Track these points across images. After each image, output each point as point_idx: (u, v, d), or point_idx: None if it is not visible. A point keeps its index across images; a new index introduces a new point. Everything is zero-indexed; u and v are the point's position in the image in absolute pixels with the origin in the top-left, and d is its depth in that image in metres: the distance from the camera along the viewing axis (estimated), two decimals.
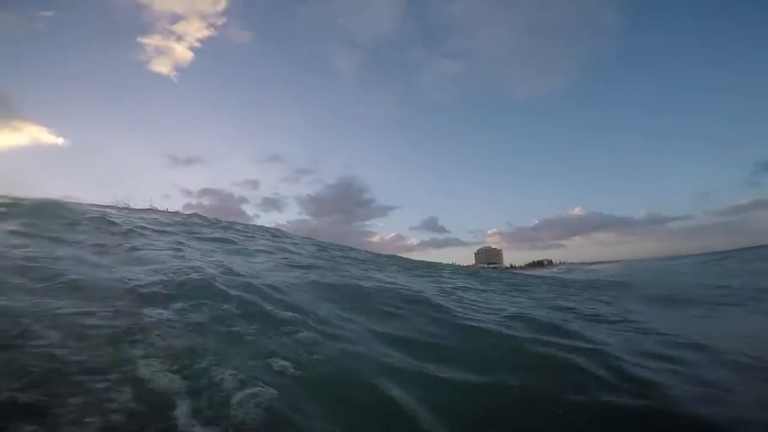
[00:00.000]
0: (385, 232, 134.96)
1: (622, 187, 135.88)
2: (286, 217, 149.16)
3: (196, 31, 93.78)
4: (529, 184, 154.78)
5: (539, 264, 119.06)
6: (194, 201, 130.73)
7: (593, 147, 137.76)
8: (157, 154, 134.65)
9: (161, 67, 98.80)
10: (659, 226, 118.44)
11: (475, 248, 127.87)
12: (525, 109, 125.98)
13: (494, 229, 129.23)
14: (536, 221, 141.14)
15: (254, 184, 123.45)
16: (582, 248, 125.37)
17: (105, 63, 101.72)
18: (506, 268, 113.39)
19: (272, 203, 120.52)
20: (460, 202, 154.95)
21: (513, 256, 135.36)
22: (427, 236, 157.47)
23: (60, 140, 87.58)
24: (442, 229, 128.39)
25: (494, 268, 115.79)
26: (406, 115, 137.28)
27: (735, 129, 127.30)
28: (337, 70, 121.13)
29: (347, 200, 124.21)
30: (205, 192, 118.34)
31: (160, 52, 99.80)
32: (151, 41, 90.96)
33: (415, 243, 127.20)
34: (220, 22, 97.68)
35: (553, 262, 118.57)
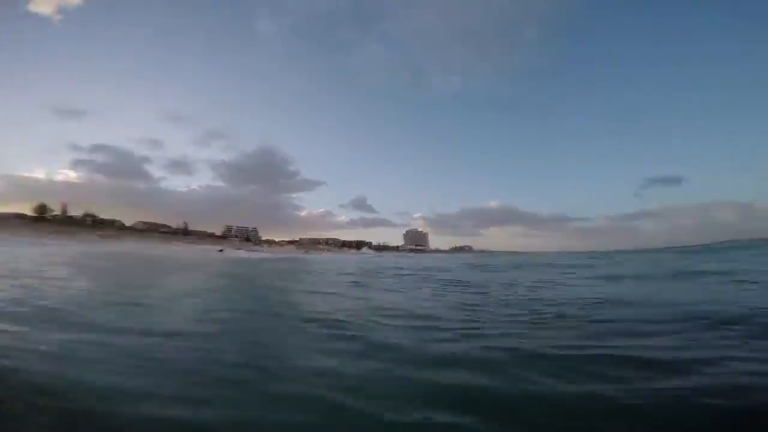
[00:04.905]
0: (313, 207, 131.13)
1: (535, 186, 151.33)
2: (198, 181, 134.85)
3: None
4: (452, 172, 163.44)
5: (461, 249, 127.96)
6: (85, 157, 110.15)
7: (510, 146, 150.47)
8: (36, 104, 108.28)
9: (42, 6, 76.69)
10: (563, 224, 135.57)
11: (403, 230, 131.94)
12: (443, 101, 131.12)
13: (419, 213, 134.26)
14: (458, 209, 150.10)
15: (157, 143, 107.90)
16: (497, 238, 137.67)
17: None
18: (431, 251, 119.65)
19: (181, 166, 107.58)
20: (388, 184, 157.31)
21: (437, 241, 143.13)
22: (357, 215, 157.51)
23: None
24: (370, 209, 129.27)
25: (420, 250, 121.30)
26: (335, 91, 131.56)
27: (629, 146, 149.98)
28: (261, 34, 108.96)
29: (269, 170, 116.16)
30: (97, 148, 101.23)
31: None
32: None
33: (346, 221, 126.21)
34: None
35: (473, 249, 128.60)
